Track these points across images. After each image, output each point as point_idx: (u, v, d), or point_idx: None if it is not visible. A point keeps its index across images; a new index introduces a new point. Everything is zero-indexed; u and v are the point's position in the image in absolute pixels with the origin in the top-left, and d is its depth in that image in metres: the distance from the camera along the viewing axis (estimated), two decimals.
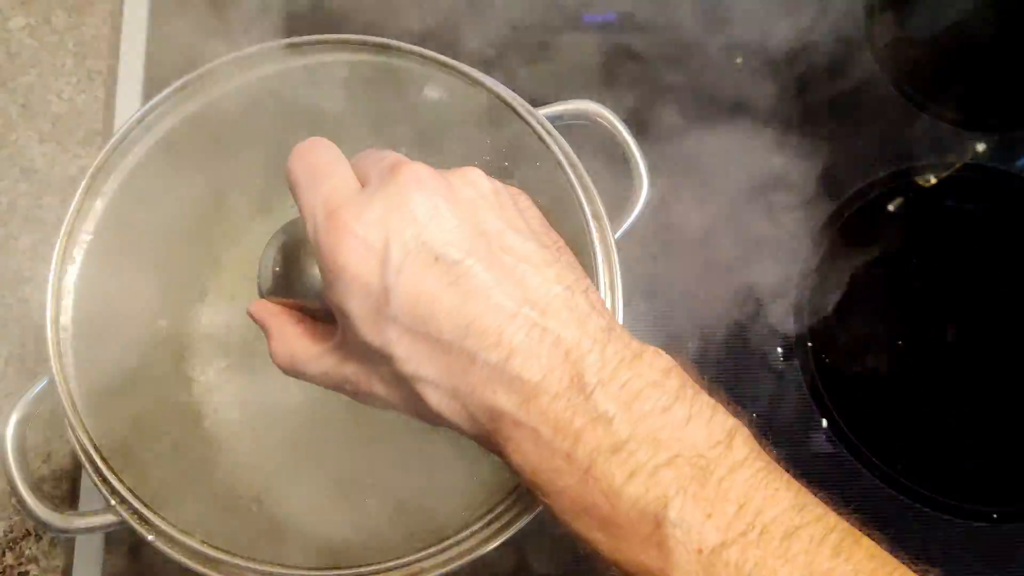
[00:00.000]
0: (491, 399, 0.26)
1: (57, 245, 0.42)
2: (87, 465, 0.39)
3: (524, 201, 0.31)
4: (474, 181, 0.29)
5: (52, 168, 0.57)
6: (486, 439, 0.28)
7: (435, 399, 0.27)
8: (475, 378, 0.26)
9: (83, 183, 0.43)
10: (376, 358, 0.28)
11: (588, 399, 0.25)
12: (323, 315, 0.33)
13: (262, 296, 0.37)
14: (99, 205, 0.43)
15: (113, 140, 0.43)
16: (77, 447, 0.39)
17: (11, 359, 0.53)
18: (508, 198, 0.30)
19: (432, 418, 0.28)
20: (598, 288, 0.40)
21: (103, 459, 0.39)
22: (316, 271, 0.33)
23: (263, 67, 0.45)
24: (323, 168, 0.30)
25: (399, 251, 0.27)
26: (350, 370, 0.30)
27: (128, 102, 0.60)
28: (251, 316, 0.35)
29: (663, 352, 0.28)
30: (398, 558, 0.37)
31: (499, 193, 0.30)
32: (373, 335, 0.27)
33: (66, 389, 0.40)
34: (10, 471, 0.39)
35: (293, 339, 0.32)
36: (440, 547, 0.37)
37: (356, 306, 0.27)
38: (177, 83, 0.44)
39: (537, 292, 0.27)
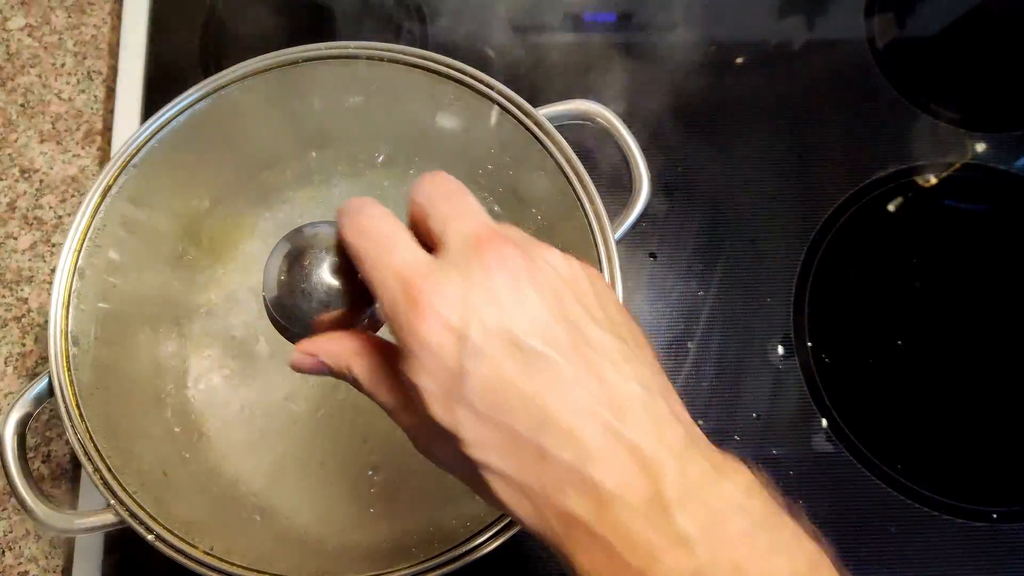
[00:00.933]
0: (564, 503, 0.25)
1: (64, 247, 0.42)
2: (87, 465, 0.39)
3: (600, 283, 0.30)
4: (555, 263, 0.28)
5: (52, 168, 0.57)
6: (553, 541, 0.26)
7: (502, 491, 0.26)
8: (548, 477, 0.25)
9: (91, 191, 0.43)
10: (443, 435, 0.27)
11: (668, 518, 0.24)
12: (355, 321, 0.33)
13: (267, 304, 0.37)
14: (104, 210, 0.43)
15: (119, 149, 0.43)
16: (77, 447, 0.39)
17: (11, 359, 0.53)
18: (587, 282, 0.29)
19: (494, 504, 0.27)
20: None
21: (103, 459, 0.39)
22: (320, 278, 0.34)
23: (263, 73, 0.45)
24: (385, 240, 0.28)
25: (480, 334, 0.26)
26: (414, 429, 0.29)
27: (128, 102, 0.60)
28: (310, 362, 0.32)
29: (742, 465, 0.26)
30: (398, 564, 0.37)
31: (579, 279, 0.28)
32: (442, 414, 0.26)
33: (66, 389, 0.40)
34: (10, 471, 0.39)
35: (377, 372, 0.31)
36: (439, 550, 0.38)
37: (428, 383, 0.26)
38: (182, 95, 0.44)
39: (616, 391, 0.26)
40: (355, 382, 0.31)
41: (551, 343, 0.26)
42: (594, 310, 0.28)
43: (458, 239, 0.27)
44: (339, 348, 0.31)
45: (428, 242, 0.29)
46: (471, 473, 0.27)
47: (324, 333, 0.32)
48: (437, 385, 0.26)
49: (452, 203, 0.29)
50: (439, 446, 0.28)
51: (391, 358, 0.30)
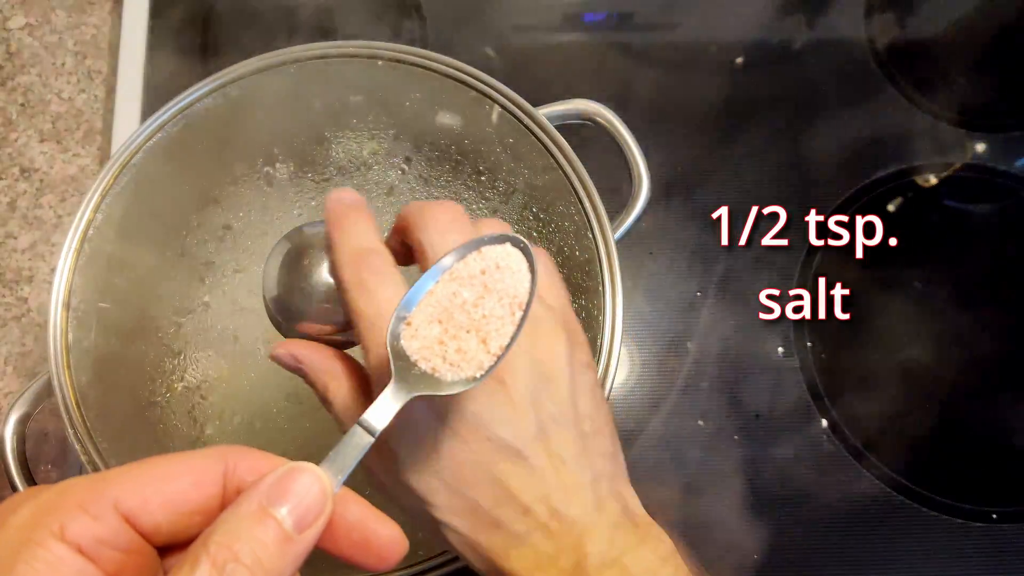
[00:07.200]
0: (504, 562, 0.29)
1: (64, 247, 0.42)
2: (87, 465, 0.39)
3: (582, 371, 0.32)
4: (539, 356, 0.30)
5: (52, 168, 0.57)
6: None
7: (456, 543, 0.30)
8: (497, 540, 0.29)
9: (91, 190, 0.43)
10: (412, 494, 0.30)
11: None
12: (340, 342, 0.34)
13: (266, 302, 0.37)
14: (103, 210, 0.43)
15: (119, 149, 0.43)
16: (77, 447, 0.39)
17: (11, 358, 0.53)
18: (567, 378, 0.31)
19: (447, 547, 0.31)
20: (600, 286, 0.41)
21: (103, 459, 0.39)
22: (320, 278, 0.34)
23: (263, 72, 0.45)
24: (373, 280, 0.30)
25: (457, 419, 0.29)
26: (382, 474, 0.31)
27: (128, 102, 0.60)
28: (289, 360, 0.33)
29: (665, 536, 0.30)
30: (397, 563, 0.37)
31: (561, 373, 0.31)
32: (415, 481, 0.29)
33: (66, 389, 0.40)
34: (10, 471, 0.39)
35: (353, 403, 0.32)
36: (439, 550, 0.38)
37: (405, 453, 0.29)
38: (182, 95, 0.44)
39: (568, 479, 0.30)
40: (326, 402, 0.32)
41: (518, 438, 0.29)
42: (564, 407, 0.31)
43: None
44: (322, 364, 0.32)
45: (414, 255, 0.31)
46: (431, 524, 0.30)
47: (315, 343, 0.33)
48: (412, 455, 0.29)
49: (440, 231, 0.31)
50: (404, 496, 0.31)
51: (370, 393, 0.31)
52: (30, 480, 0.39)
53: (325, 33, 0.62)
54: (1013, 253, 0.58)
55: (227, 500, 0.23)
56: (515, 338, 0.26)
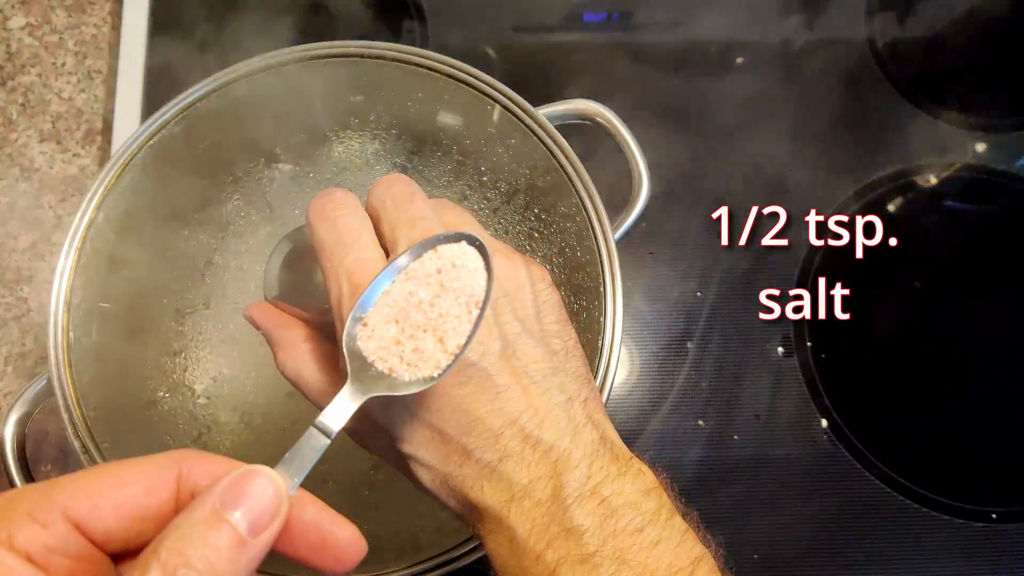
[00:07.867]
0: (478, 495, 0.28)
1: (64, 247, 0.42)
2: (87, 465, 0.39)
3: (544, 292, 0.31)
4: (500, 275, 0.29)
5: (52, 168, 0.57)
6: (469, 523, 0.29)
7: (427, 479, 0.29)
8: (468, 471, 0.28)
9: (91, 190, 0.43)
10: (378, 429, 0.29)
11: (566, 511, 0.27)
12: (325, 328, 0.33)
13: (267, 302, 0.37)
14: (104, 210, 0.43)
15: (119, 148, 0.43)
16: (78, 446, 0.39)
17: (11, 358, 0.53)
18: (529, 293, 0.30)
19: (421, 489, 0.30)
20: (600, 286, 0.41)
21: (103, 458, 0.39)
22: (321, 279, 0.34)
23: (263, 72, 0.45)
24: (347, 235, 0.29)
25: None
26: (350, 420, 0.31)
27: (128, 102, 0.60)
28: (254, 320, 0.34)
29: (648, 470, 0.29)
30: (398, 563, 0.37)
31: (521, 290, 0.30)
32: (379, 412, 0.28)
33: (66, 388, 0.40)
34: (10, 470, 0.39)
35: (304, 356, 0.32)
36: (439, 550, 0.38)
37: None
38: (182, 95, 0.44)
39: (539, 400, 0.28)
40: (278, 365, 0.33)
41: (485, 356, 0.28)
42: (529, 323, 0.30)
43: (406, 244, 0.28)
44: (272, 332, 0.33)
45: (384, 244, 0.30)
46: (400, 461, 0.29)
47: (276, 310, 0.34)
48: None
49: (402, 209, 0.30)
50: (373, 437, 0.30)
51: (325, 350, 0.32)
52: (30, 480, 0.39)
53: (325, 34, 0.62)
54: (1013, 253, 0.58)
55: (181, 505, 0.23)
56: (472, 337, 0.26)
